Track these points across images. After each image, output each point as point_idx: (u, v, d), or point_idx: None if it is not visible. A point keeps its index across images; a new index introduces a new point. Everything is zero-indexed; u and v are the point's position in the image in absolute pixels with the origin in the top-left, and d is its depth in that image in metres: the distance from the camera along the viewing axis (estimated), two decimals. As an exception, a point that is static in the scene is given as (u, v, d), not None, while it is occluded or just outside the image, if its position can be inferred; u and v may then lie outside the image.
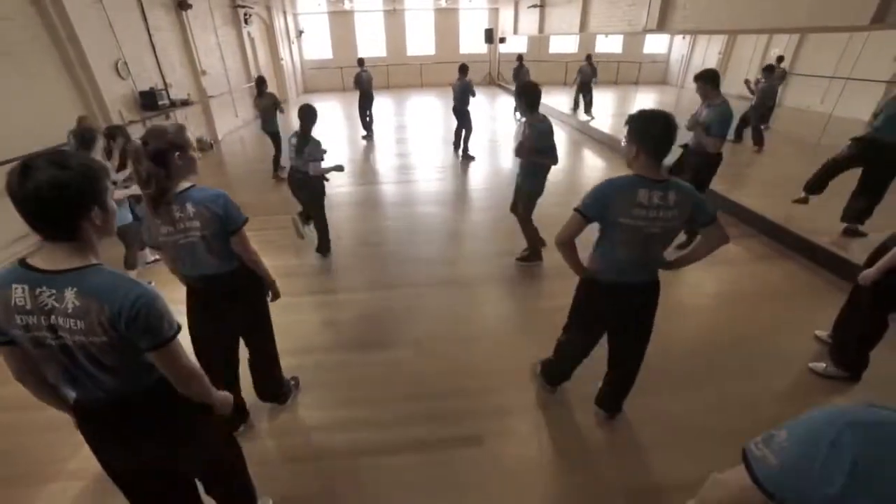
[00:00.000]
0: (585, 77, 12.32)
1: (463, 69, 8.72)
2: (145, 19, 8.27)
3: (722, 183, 6.52)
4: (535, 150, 4.05)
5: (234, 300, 2.41)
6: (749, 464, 0.92)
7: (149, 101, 7.88)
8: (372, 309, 4.06)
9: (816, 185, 5.25)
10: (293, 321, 3.75)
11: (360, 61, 10.98)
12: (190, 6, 9.56)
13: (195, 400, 1.55)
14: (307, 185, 4.58)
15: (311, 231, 5.05)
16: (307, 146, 4.32)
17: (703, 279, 4.50)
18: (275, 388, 2.92)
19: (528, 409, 2.95)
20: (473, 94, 8.67)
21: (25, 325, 1.25)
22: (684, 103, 15.12)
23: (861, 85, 10.41)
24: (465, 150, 9.04)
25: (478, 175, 8.07)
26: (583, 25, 10.99)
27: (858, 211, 4.88)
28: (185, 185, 2.06)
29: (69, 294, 1.22)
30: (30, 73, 5.67)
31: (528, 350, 3.36)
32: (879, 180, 4.74)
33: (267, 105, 7.69)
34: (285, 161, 5.94)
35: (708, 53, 17.82)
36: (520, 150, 4.14)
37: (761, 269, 4.60)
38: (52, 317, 1.23)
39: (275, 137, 7.90)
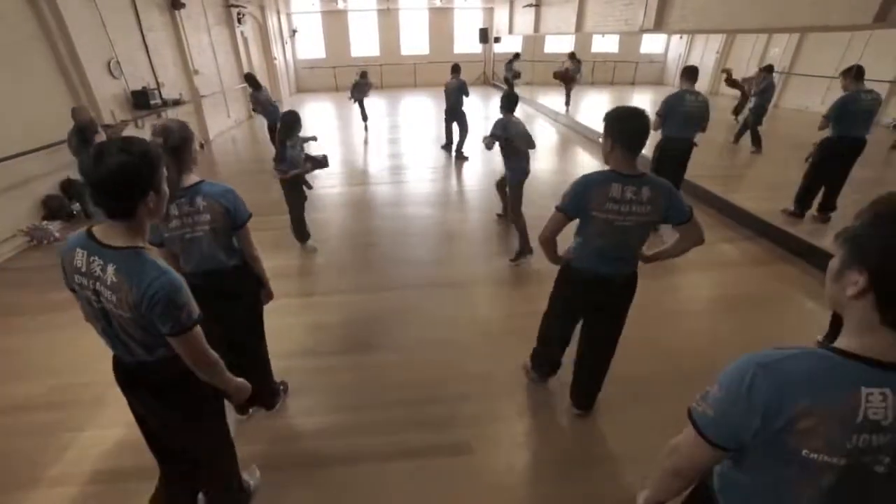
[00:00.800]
0: (572, 73, 12.92)
1: (456, 69, 8.77)
2: (138, 19, 8.16)
3: (720, 184, 6.53)
4: (496, 137, 4.51)
5: (234, 299, 2.45)
6: (693, 420, 1.05)
7: (141, 100, 7.77)
8: (362, 312, 4.00)
9: (807, 199, 5.51)
10: (282, 324, 3.67)
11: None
12: (183, 5, 9.44)
13: (213, 384, 1.71)
14: (288, 183, 4.76)
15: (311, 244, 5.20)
16: (283, 153, 4.50)
17: (702, 283, 4.47)
18: (264, 391, 2.87)
19: (519, 416, 2.91)
20: (467, 94, 8.61)
21: (80, 284, 1.46)
22: (680, 103, 15.08)
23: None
24: (460, 150, 8.99)
25: (471, 176, 8.02)
26: (579, 25, 10.94)
27: (830, 200, 5.41)
28: (194, 178, 2.15)
29: (110, 269, 1.40)
30: (22, 72, 5.56)
31: (520, 354, 3.31)
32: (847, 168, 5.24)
33: (268, 97, 8.22)
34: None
35: (706, 53, 17.78)
36: (489, 143, 4.63)
37: (761, 273, 4.56)
38: (97, 284, 1.43)
39: None
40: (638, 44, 20.59)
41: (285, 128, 4.45)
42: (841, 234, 0.95)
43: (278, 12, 17.31)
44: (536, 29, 14.35)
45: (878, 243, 0.85)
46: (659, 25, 7.62)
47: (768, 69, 8.77)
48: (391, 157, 9.30)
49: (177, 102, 8.99)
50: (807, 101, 12.88)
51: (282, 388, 3.04)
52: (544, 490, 2.42)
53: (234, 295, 2.44)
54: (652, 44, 20.84)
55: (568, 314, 2.69)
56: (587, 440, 2.71)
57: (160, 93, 8.45)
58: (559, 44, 19.85)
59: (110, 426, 2.77)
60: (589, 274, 2.37)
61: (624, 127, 2.09)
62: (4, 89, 5.27)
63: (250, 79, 8.34)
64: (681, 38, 19.06)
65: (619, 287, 2.40)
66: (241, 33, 13.42)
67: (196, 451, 1.95)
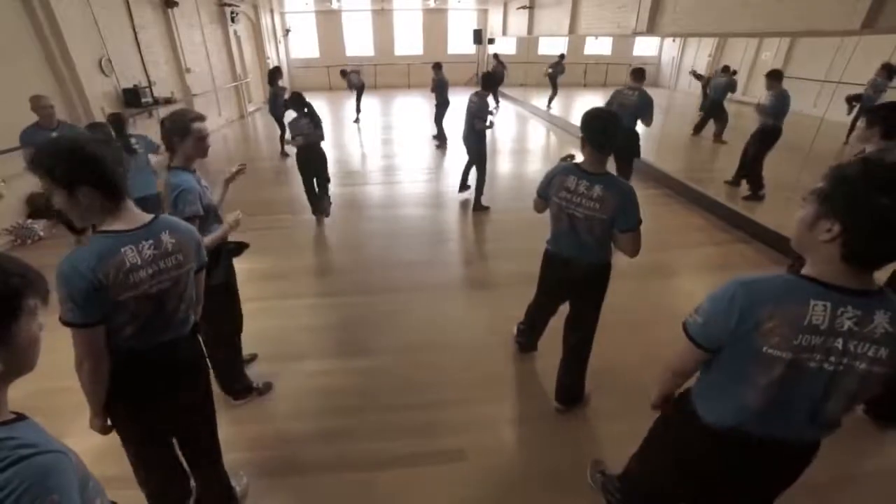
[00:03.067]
0: (555, 73, 13.49)
1: (438, 66, 9.85)
2: (131, 17, 8.10)
3: (714, 187, 6.57)
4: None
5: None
6: (687, 330, 1.37)
7: (132, 98, 7.72)
8: (354, 314, 3.97)
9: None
10: (272, 326, 3.66)
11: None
12: (176, 4, 9.39)
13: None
14: (320, 153, 5.72)
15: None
16: (319, 120, 5.51)
17: (700, 287, 4.48)
18: (229, 381, 2.90)
19: (511, 422, 2.90)
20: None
21: (140, 279, 1.46)
22: (675, 105, 15.23)
23: (850, 89, 10.48)
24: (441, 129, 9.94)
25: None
26: (572, 27, 10.96)
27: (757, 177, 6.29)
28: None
29: (165, 237, 1.52)
30: (11, 68, 5.50)
31: (514, 359, 3.31)
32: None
33: (280, 91, 8.61)
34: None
35: (698, 56, 17.82)
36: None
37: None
38: (159, 263, 1.50)
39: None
40: (631, 46, 20.66)
41: (292, 102, 5.46)
42: (813, 192, 1.17)
43: (272, 11, 17.23)
44: (530, 31, 14.36)
45: (848, 200, 1.08)
46: (651, 29, 7.65)
47: (725, 69, 10.12)
48: (384, 157, 9.29)
49: (168, 101, 8.92)
50: (799, 105, 12.92)
51: (256, 385, 3.00)
52: (537, 498, 2.40)
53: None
54: (645, 46, 20.91)
55: (542, 291, 2.99)
56: (582, 448, 2.67)
57: (151, 91, 8.40)
58: (553, 46, 19.95)
59: (93, 433, 2.74)
60: (555, 254, 2.67)
61: (590, 127, 2.27)
62: (-7, 85, 5.21)
63: (275, 72, 8.98)
64: (674, 40, 19.12)
65: (582, 271, 2.55)
66: (235, 32, 13.34)
67: (201, 433, 2.01)
